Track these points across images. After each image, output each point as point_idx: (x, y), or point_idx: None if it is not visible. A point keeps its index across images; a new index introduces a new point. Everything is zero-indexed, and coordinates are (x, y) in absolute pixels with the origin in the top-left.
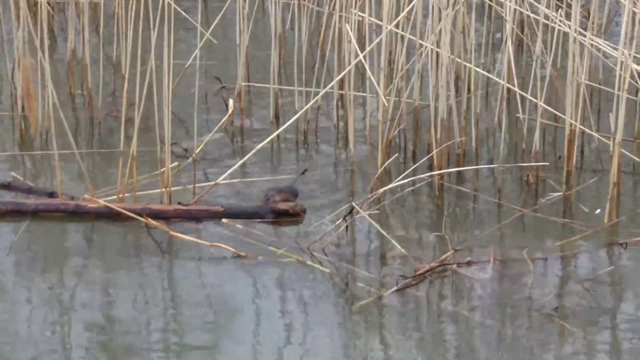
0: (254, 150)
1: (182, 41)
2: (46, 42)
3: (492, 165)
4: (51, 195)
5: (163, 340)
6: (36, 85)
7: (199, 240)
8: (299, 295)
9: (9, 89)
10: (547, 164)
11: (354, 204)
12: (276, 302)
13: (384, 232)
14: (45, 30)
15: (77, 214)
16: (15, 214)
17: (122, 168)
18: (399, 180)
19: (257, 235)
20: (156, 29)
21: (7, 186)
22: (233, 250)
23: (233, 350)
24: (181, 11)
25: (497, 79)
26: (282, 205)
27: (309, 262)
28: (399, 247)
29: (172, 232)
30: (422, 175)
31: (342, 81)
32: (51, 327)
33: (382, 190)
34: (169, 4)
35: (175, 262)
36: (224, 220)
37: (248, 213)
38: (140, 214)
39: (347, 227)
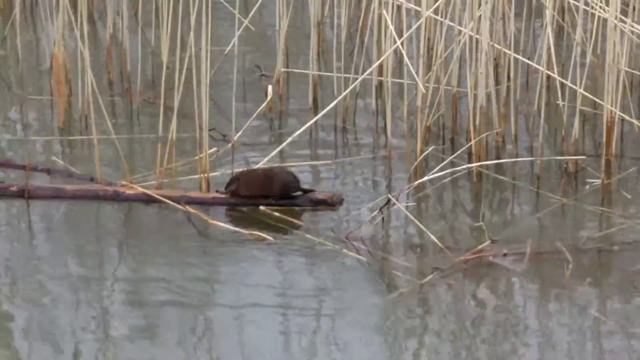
0: (292, 137)
1: (220, 28)
2: (85, 27)
3: (531, 159)
4: (91, 180)
5: (195, 320)
6: (75, 71)
7: (237, 229)
8: (336, 282)
9: (48, 74)
10: (584, 157)
11: (390, 196)
12: (312, 289)
13: (420, 225)
14: (85, 15)
15: (116, 200)
16: (55, 199)
17: (160, 154)
18: (436, 172)
19: (295, 223)
20: (195, 15)
21: (47, 171)
22: (270, 238)
23: (265, 334)
24: None
25: (537, 66)
26: (320, 195)
27: (345, 250)
28: (435, 239)
29: (210, 221)
30: (459, 168)
31: (380, 68)
32: (88, 308)
33: (418, 182)
34: None
35: (212, 248)
36: (261, 207)
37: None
38: (178, 202)
39: (383, 218)
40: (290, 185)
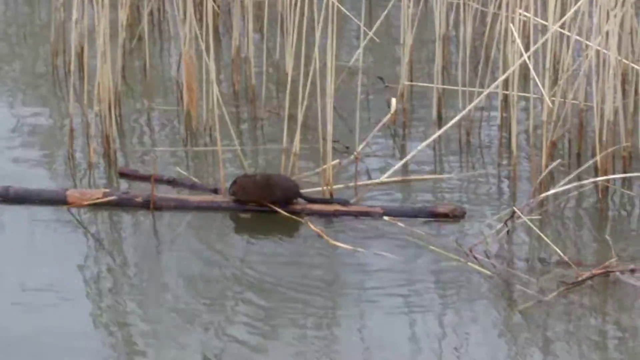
0: (415, 150)
1: (345, 40)
2: (211, 39)
3: None
4: (215, 191)
5: (315, 331)
6: (200, 82)
7: (359, 249)
8: (459, 296)
9: (174, 85)
10: None
11: (515, 208)
12: (436, 303)
13: (545, 238)
14: (211, 28)
15: (239, 212)
16: (179, 210)
17: (284, 165)
18: (562, 185)
19: (418, 234)
20: (320, 28)
21: (172, 182)
22: (394, 257)
23: (389, 344)
24: (345, 11)
25: None
26: (442, 208)
27: (469, 264)
28: (560, 253)
29: (330, 241)
30: (586, 182)
31: (506, 81)
32: (214, 313)
33: (544, 195)
34: (333, 3)
35: (335, 260)
36: (385, 217)
37: (407, 214)
38: (299, 214)
39: (507, 231)
40: (292, 192)
